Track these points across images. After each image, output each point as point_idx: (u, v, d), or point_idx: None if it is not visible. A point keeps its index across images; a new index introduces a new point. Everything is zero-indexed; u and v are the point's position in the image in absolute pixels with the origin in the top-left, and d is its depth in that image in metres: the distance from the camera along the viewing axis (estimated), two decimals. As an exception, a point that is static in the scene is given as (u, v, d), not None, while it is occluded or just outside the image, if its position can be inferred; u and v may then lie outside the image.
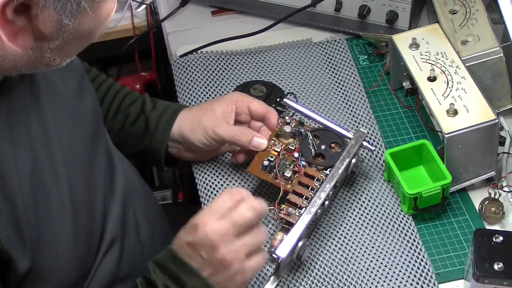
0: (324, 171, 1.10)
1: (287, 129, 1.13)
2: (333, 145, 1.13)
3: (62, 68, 0.86)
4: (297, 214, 1.05)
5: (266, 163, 1.10)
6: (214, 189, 1.18)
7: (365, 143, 1.12)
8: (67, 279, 0.91)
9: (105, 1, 0.79)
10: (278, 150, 1.12)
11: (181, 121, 1.17)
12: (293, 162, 1.11)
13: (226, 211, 0.92)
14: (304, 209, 1.05)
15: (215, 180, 1.19)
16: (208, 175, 1.19)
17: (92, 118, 1.03)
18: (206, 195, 1.17)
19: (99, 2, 0.78)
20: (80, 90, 1.02)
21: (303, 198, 1.07)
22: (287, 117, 1.16)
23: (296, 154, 1.11)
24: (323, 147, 1.12)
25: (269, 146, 1.12)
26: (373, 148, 1.13)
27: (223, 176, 1.19)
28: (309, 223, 1.03)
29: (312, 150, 1.11)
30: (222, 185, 1.18)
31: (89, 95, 1.04)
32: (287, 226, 1.05)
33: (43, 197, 0.88)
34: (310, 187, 1.08)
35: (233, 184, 1.18)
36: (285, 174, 1.09)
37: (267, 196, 1.15)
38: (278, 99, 1.26)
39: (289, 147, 1.12)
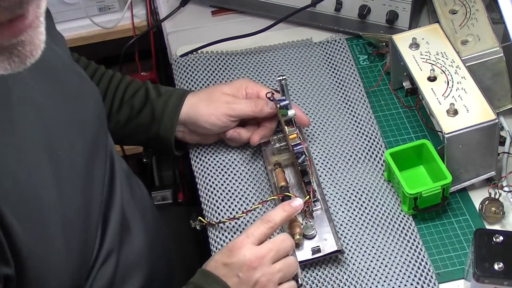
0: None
1: (291, 113, 1.13)
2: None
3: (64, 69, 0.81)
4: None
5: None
6: (214, 189, 1.18)
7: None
8: None
9: None
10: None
11: (189, 105, 1.18)
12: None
13: (262, 237, 0.98)
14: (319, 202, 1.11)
15: (215, 180, 1.19)
16: (209, 175, 1.19)
17: (94, 122, 0.99)
18: (206, 195, 1.17)
19: None
20: (80, 93, 0.99)
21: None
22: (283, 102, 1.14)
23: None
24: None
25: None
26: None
27: (223, 175, 1.19)
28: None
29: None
30: (222, 184, 1.18)
31: (90, 98, 1.01)
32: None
33: (35, 203, 0.82)
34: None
35: (234, 183, 1.18)
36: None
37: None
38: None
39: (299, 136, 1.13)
